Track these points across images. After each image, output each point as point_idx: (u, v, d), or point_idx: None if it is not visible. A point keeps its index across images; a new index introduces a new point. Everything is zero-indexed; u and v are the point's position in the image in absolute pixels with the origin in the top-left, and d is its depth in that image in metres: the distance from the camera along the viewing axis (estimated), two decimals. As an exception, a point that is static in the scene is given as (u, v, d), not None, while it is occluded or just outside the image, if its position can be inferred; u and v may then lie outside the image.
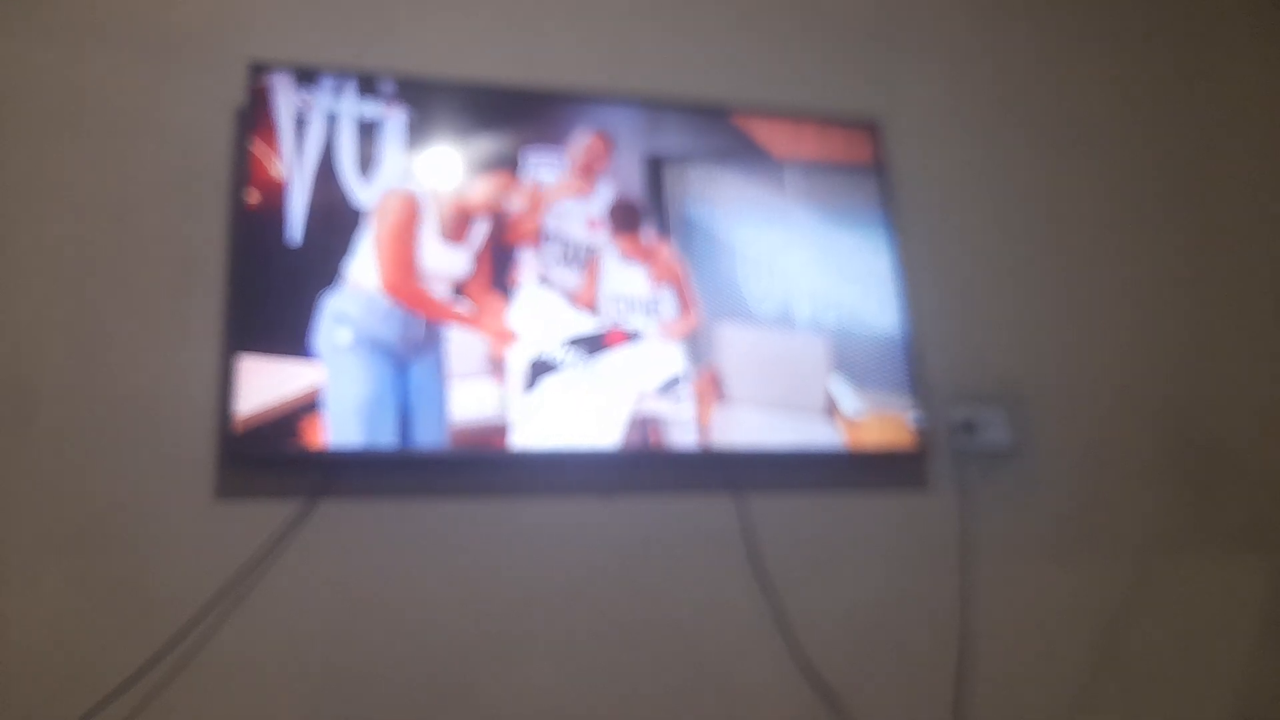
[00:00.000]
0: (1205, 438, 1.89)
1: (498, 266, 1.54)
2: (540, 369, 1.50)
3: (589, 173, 1.62)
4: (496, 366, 1.49)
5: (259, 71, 1.50)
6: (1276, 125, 2.16)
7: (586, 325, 1.55)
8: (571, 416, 1.50)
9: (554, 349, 1.52)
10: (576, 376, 1.52)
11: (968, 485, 1.71)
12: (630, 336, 1.56)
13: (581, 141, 1.63)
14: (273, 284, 1.42)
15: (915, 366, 1.70)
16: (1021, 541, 1.72)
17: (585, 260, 1.59)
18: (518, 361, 1.50)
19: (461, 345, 1.48)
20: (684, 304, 1.62)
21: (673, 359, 1.58)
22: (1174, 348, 1.93)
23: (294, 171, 1.47)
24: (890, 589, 1.63)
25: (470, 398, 1.46)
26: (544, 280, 1.55)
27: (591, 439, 1.50)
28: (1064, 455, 1.79)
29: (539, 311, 1.53)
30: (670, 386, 1.56)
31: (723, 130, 1.72)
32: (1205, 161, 2.09)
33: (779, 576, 1.57)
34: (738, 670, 1.52)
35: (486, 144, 1.58)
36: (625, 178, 1.65)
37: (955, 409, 1.74)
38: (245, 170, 1.46)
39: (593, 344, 1.54)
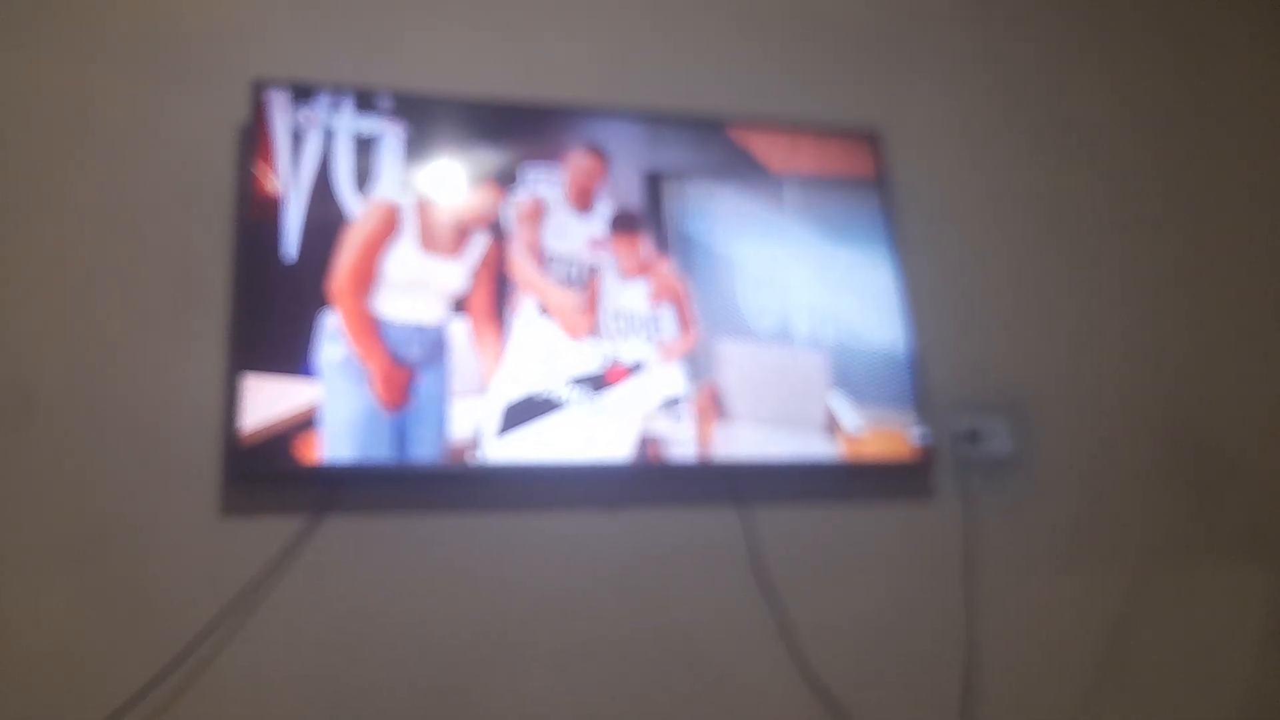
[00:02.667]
0: (1207, 446, 1.88)
1: (500, 287, 1.53)
2: (542, 407, 1.49)
3: (585, 194, 1.62)
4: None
5: (259, 88, 1.50)
6: (1275, 133, 2.15)
7: (587, 362, 1.54)
8: (578, 444, 1.50)
9: (556, 387, 1.51)
10: (580, 413, 1.51)
11: (971, 494, 1.71)
12: (632, 370, 1.56)
13: (577, 162, 1.61)
14: (271, 300, 1.42)
15: (919, 378, 1.69)
16: (1026, 550, 1.72)
17: (587, 280, 1.58)
18: (504, 394, 1.48)
19: (462, 363, 1.48)
20: (684, 322, 1.61)
21: (673, 379, 1.58)
22: (1176, 356, 1.92)
23: (290, 188, 1.47)
24: (895, 598, 1.63)
25: (467, 417, 1.46)
26: (544, 311, 1.55)
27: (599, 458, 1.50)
28: (1067, 464, 1.79)
29: (538, 344, 1.52)
30: (671, 406, 1.56)
31: (721, 145, 1.70)
32: (1206, 170, 2.07)
33: (783, 587, 1.57)
34: (743, 681, 1.52)
35: (485, 159, 1.57)
36: (624, 193, 1.63)
37: (959, 418, 1.73)
38: (249, 186, 1.46)
39: (596, 382, 1.53)
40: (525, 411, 1.49)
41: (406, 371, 1.45)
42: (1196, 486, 1.85)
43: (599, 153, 1.63)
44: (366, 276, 1.47)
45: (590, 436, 1.50)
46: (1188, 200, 2.04)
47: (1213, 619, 1.78)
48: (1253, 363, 1.96)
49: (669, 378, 1.57)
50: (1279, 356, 1.98)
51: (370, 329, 1.45)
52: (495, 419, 1.47)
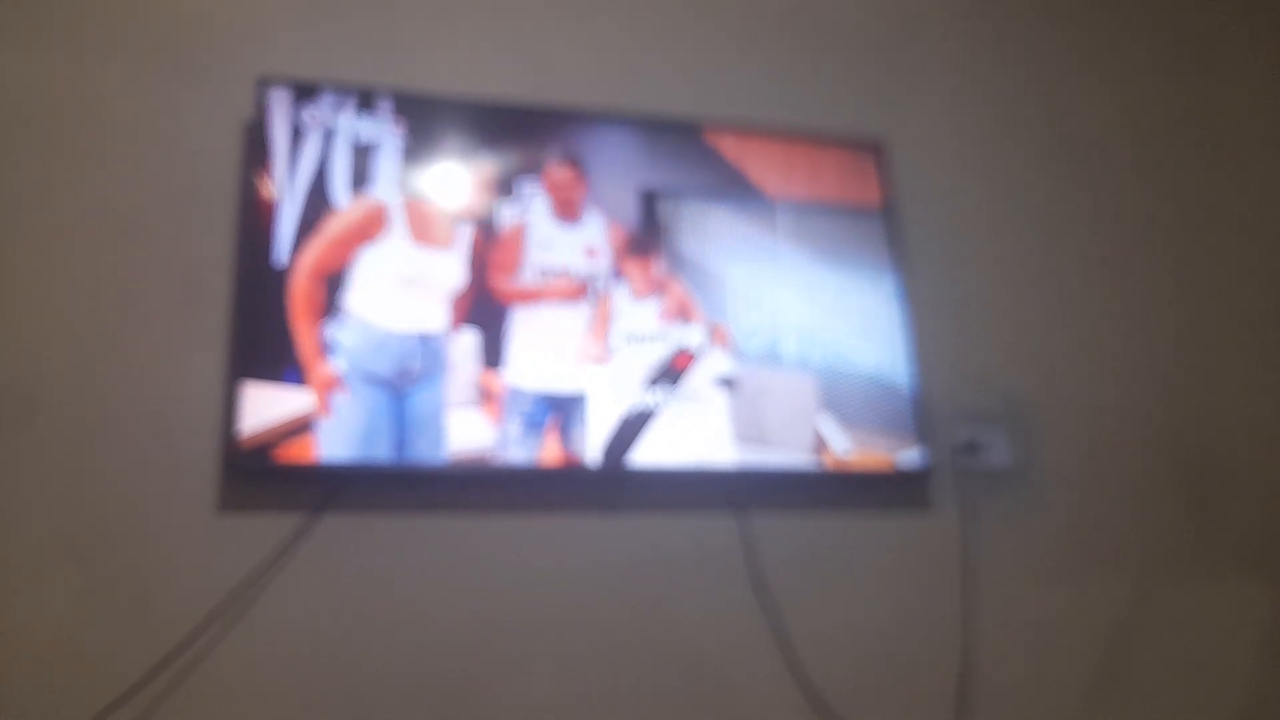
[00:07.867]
0: (1207, 457, 1.87)
1: (484, 296, 1.52)
2: (641, 420, 1.51)
3: (569, 206, 1.59)
4: (487, 396, 1.48)
5: (264, 85, 1.49)
6: (1275, 147, 2.11)
7: (650, 356, 1.56)
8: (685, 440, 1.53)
9: (640, 394, 1.53)
10: (677, 412, 1.53)
11: (970, 505, 1.70)
12: (696, 356, 1.56)
13: (553, 175, 1.59)
14: (267, 307, 1.42)
15: (921, 388, 1.68)
16: (1024, 561, 1.71)
17: (598, 300, 1.57)
18: (611, 414, 1.51)
19: (457, 375, 1.47)
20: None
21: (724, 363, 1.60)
22: (1176, 368, 1.90)
23: (285, 192, 1.45)
24: (892, 609, 1.63)
25: (463, 427, 1.46)
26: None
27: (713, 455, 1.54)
28: (1066, 475, 1.77)
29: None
30: (725, 384, 1.57)
31: (717, 167, 1.68)
32: (1208, 184, 2.05)
33: (780, 596, 1.57)
34: (739, 689, 1.53)
35: (481, 162, 1.56)
36: (619, 210, 1.61)
37: (958, 429, 1.72)
38: (253, 186, 1.46)
39: (670, 375, 1.54)
40: (630, 430, 1.51)
41: (334, 381, 1.42)
42: (1195, 498, 1.84)
43: (575, 164, 1.60)
44: (323, 269, 1.44)
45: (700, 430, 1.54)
46: (1189, 213, 2.02)
47: (1212, 631, 1.77)
48: (1252, 374, 1.94)
49: (721, 361, 1.60)
50: (1278, 368, 1.96)
51: (316, 329, 1.43)
52: (600, 441, 1.50)
